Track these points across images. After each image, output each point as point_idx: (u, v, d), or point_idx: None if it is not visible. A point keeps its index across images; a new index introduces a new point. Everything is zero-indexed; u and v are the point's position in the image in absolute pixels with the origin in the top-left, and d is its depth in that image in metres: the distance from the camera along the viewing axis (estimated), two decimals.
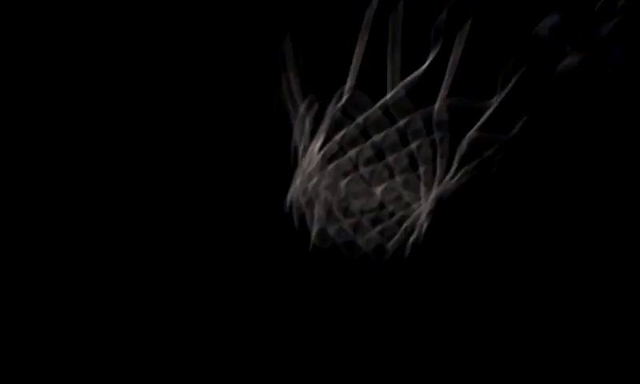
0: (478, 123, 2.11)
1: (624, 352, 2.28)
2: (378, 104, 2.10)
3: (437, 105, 2.09)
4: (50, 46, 2.39)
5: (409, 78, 2.10)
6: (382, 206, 2.10)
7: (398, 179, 2.10)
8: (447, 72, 2.09)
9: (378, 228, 2.12)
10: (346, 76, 2.12)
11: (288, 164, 2.15)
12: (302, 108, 2.12)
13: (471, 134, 2.11)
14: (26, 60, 2.39)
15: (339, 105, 2.11)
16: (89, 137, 2.39)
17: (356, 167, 2.11)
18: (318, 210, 2.14)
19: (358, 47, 2.09)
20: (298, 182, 2.14)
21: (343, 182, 2.10)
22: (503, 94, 2.09)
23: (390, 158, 2.10)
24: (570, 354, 2.30)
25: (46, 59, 2.39)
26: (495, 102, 2.10)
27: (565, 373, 2.31)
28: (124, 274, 2.39)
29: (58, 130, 2.41)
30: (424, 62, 2.11)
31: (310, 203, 2.14)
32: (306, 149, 2.13)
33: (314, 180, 2.11)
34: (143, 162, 2.40)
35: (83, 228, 2.40)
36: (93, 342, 2.40)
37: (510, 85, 2.09)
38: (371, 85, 2.11)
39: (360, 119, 2.11)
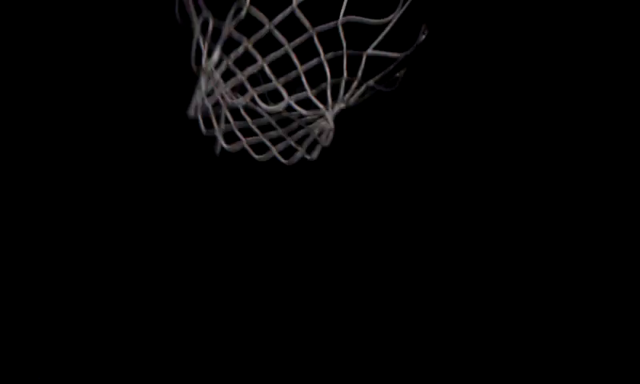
0: (378, 39, 2.16)
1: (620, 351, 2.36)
2: (276, 19, 2.10)
3: (337, 21, 2.12)
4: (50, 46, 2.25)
5: None
6: (289, 109, 2.09)
7: (306, 84, 2.10)
8: None
9: (287, 129, 2.10)
10: None
11: (190, 69, 2.09)
12: (202, 15, 2.07)
13: (370, 50, 2.15)
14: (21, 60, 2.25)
15: (235, 20, 2.08)
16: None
17: (262, 73, 2.10)
18: (224, 112, 2.09)
19: None
20: (202, 85, 2.08)
21: (250, 86, 2.07)
22: (401, 10, 2.15)
23: (298, 65, 2.10)
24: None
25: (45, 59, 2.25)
26: (393, 18, 2.16)
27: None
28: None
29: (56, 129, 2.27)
30: None
31: (216, 106, 2.09)
32: (209, 53, 2.08)
33: (219, 83, 2.06)
34: None
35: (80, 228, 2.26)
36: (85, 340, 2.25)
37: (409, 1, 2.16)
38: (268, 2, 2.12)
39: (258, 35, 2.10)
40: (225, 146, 2.08)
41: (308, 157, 2.13)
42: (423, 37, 2.14)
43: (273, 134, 2.11)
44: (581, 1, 2.44)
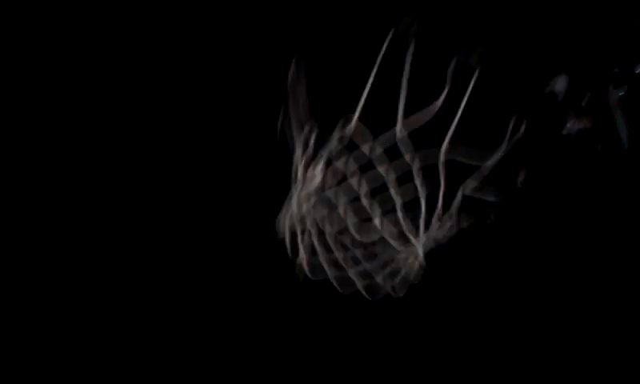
0: (477, 175, 2.10)
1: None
2: (381, 139, 2.07)
3: (440, 151, 2.08)
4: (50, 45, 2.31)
5: (413, 118, 2.08)
6: (379, 241, 2.02)
7: (398, 216, 2.03)
8: (453, 120, 2.09)
9: (373, 264, 2.03)
10: (353, 108, 2.09)
11: (285, 188, 2.06)
12: (303, 133, 2.05)
13: (469, 184, 2.09)
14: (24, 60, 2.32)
15: (342, 135, 2.06)
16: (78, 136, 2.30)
17: (356, 199, 2.04)
18: (312, 239, 2.04)
19: (369, 81, 2.07)
20: (293, 208, 2.04)
21: (340, 212, 2.02)
22: (505, 150, 2.10)
23: (391, 194, 2.04)
24: None
25: (44, 59, 2.31)
26: (497, 156, 2.10)
27: None
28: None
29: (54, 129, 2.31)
30: (430, 106, 2.10)
31: (304, 231, 2.04)
32: (304, 175, 2.05)
33: (310, 207, 2.01)
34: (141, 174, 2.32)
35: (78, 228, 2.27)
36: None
37: (514, 141, 2.11)
38: (376, 120, 2.09)
39: (362, 152, 2.07)
40: (309, 275, 2.03)
41: (394, 294, 2.05)
42: (520, 183, 2.08)
43: (360, 268, 2.04)
44: None
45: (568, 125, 2.12)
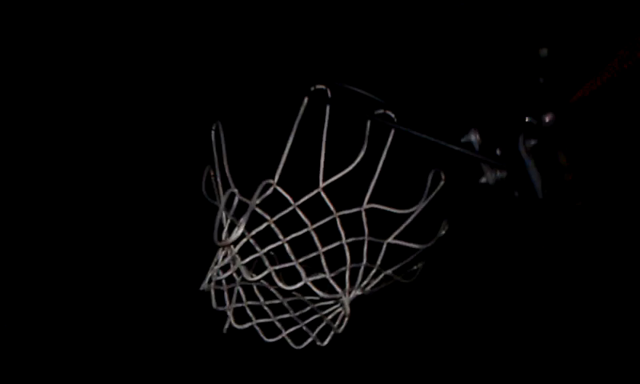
0: (398, 230, 2.13)
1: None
2: (300, 201, 2.10)
3: (363, 204, 2.11)
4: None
5: (332, 179, 2.12)
6: (306, 289, 2.04)
7: (324, 267, 2.05)
8: (374, 174, 2.14)
9: (301, 312, 2.05)
10: (272, 171, 2.11)
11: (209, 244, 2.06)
12: (229, 189, 2.06)
13: (391, 239, 2.12)
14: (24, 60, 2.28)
15: (267, 191, 2.08)
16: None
17: (282, 251, 2.06)
18: (237, 290, 2.05)
19: (289, 138, 2.10)
20: (218, 260, 2.05)
21: (266, 263, 2.03)
22: (424, 203, 2.14)
23: (318, 247, 2.07)
24: None
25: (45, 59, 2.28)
26: (416, 210, 2.14)
27: None
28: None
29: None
30: (349, 164, 2.14)
31: (229, 282, 2.05)
32: (230, 228, 2.06)
33: (236, 259, 2.02)
34: None
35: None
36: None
37: (432, 194, 2.15)
38: (295, 182, 2.12)
39: (287, 209, 2.09)
40: (234, 324, 2.02)
41: (319, 343, 2.06)
42: (443, 232, 2.12)
43: (284, 316, 2.05)
44: None
45: (485, 175, 2.20)
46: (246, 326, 2.04)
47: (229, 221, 2.03)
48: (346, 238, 2.08)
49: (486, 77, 2.29)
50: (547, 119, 2.02)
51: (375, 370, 2.52)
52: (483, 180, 2.21)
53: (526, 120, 2.07)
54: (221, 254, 2.08)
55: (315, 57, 2.45)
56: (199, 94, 2.37)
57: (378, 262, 2.09)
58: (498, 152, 2.17)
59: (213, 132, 2.08)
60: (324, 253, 2.04)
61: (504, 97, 2.20)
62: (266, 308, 2.07)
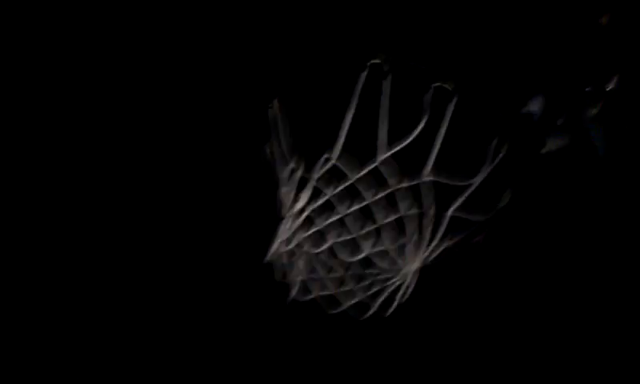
0: (462, 197, 2.12)
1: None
2: (367, 167, 2.10)
3: (423, 175, 2.10)
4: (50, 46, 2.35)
5: (396, 146, 2.11)
6: (366, 262, 2.05)
7: (385, 238, 2.06)
8: (434, 144, 2.13)
9: (362, 284, 2.06)
10: (335, 139, 2.12)
11: (273, 216, 2.10)
12: (289, 164, 2.09)
13: (454, 206, 2.12)
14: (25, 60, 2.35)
15: (327, 164, 2.09)
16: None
17: (343, 223, 2.08)
18: (300, 263, 2.08)
19: (348, 112, 2.10)
20: (281, 233, 2.08)
21: (328, 236, 2.05)
22: (487, 171, 2.13)
23: (379, 219, 2.07)
24: None
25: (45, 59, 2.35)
26: (479, 178, 2.13)
27: None
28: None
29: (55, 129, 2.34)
30: (411, 133, 2.13)
31: (293, 255, 2.07)
32: (292, 202, 2.09)
33: (298, 233, 2.05)
34: None
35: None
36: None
37: (495, 162, 2.13)
38: (359, 149, 2.12)
39: (347, 181, 2.10)
40: (296, 296, 2.06)
41: (381, 314, 2.08)
42: (505, 202, 2.10)
43: (346, 288, 2.07)
44: None
45: (547, 144, 2.17)
46: (309, 297, 2.06)
47: (291, 195, 2.06)
48: (406, 209, 2.08)
49: (544, 47, 2.25)
50: (611, 84, 1.99)
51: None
52: (545, 149, 2.18)
53: (588, 89, 2.04)
54: (284, 226, 2.11)
55: (371, 31, 2.44)
56: (257, 72, 2.39)
57: (440, 234, 2.08)
58: (559, 122, 2.15)
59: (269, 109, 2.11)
60: (383, 225, 2.05)
61: (565, 67, 2.16)
62: (327, 281, 2.09)
